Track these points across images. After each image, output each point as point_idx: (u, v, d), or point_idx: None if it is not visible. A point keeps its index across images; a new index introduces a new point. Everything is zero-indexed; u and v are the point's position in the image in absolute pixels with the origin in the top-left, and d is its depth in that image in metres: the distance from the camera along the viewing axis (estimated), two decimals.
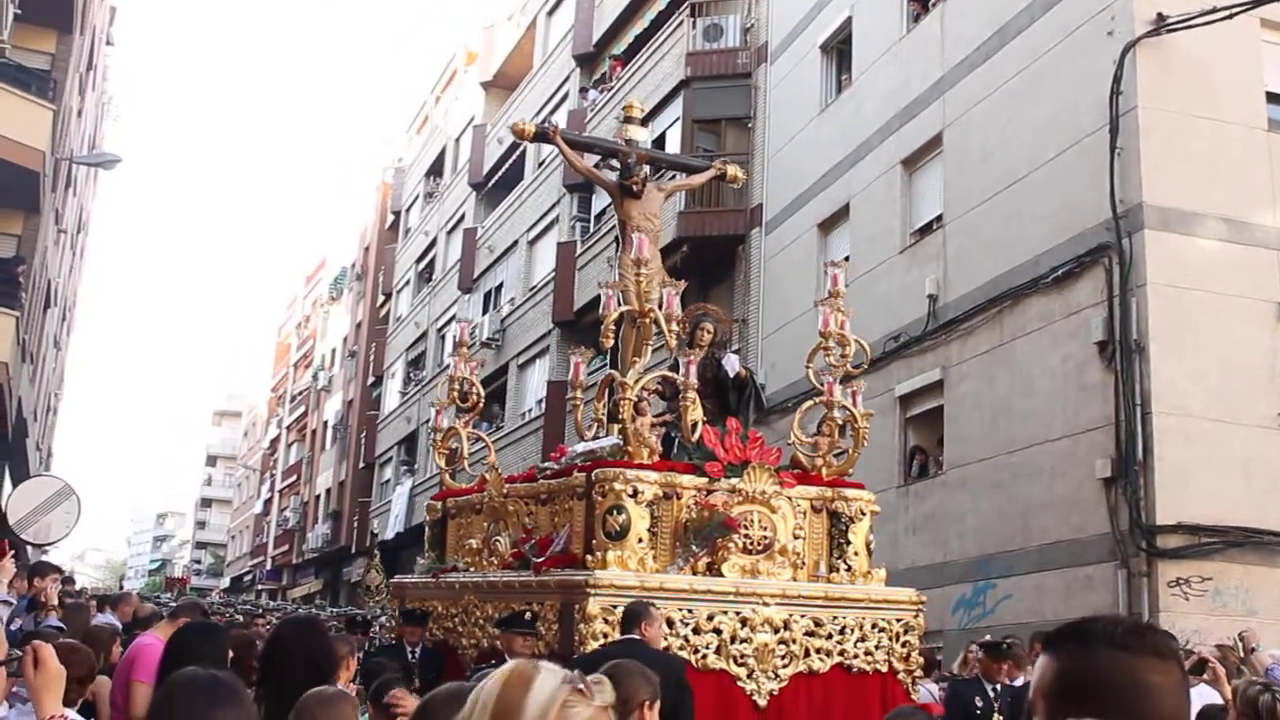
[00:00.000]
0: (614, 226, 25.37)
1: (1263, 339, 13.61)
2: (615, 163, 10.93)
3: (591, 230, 27.57)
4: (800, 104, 21.54)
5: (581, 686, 2.08)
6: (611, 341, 9.47)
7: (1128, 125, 13.79)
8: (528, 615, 8.08)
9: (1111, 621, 2.06)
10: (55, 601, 10.64)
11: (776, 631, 8.23)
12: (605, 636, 7.57)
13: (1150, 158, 13.65)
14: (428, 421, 36.39)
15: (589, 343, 26.79)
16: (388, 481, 40.73)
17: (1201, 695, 7.56)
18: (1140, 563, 12.90)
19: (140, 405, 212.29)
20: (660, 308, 9.16)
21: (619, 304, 9.41)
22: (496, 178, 34.62)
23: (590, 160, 12.16)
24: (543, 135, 11.58)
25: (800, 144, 21.07)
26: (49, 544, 18.74)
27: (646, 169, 10.75)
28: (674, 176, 12.86)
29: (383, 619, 20.21)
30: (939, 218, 17.33)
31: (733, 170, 11.84)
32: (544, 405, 28.07)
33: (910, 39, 18.57)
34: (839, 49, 21.06)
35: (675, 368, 9.43)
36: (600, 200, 27.55)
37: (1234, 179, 13.89)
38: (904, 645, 8.73)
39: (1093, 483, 13.53)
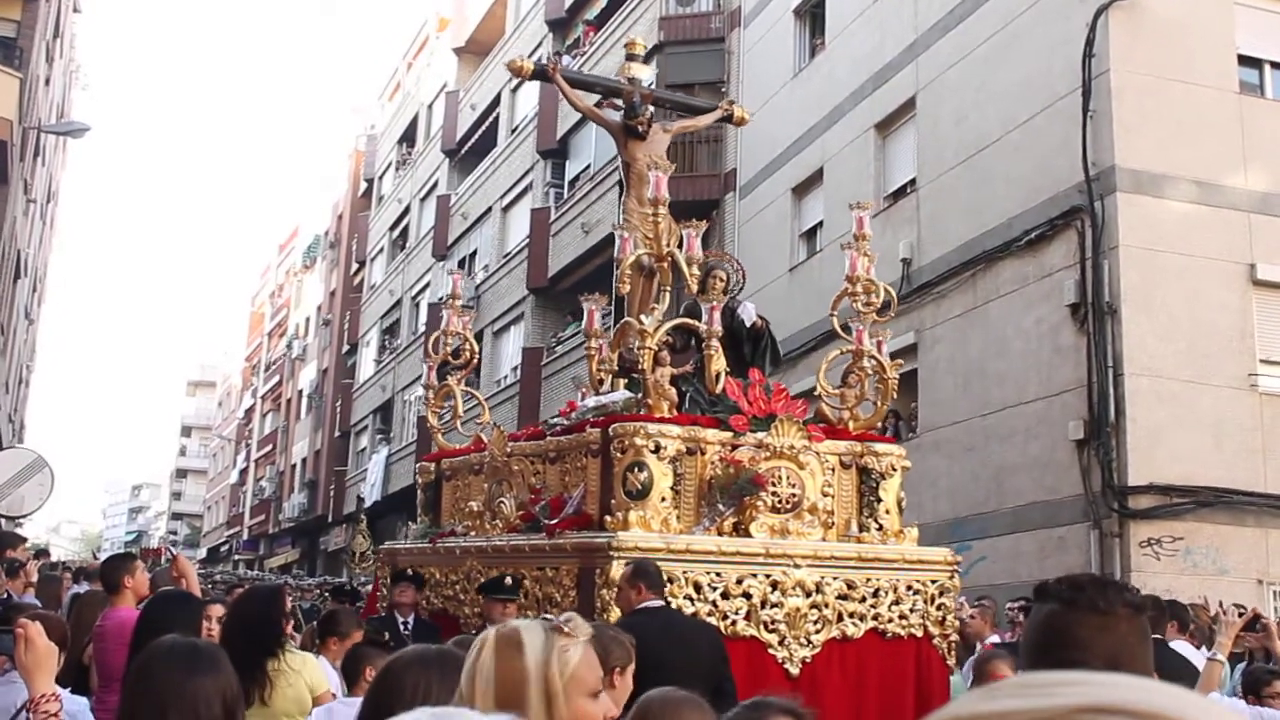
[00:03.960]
0: (593, 190, 25.40)
1: (1233, 301, 13.70)
2: (620, 102, 10.34)
3: (565, 196, 27.48)
4: (774, 68, 21.48)
5: (564, 627, 2.11)
6: (628, 287, 8.93)
7: (1100, 88, 13.81)
8: (508, 580, 7.62)
9: (1064, 579, 2.11)
10: (34, 578, 10.63)
11: (808, 595, 7.71)
12: None
13: (1122, 120, 13.68)
14: (404, 389, 36.48)
15: (565, 308, 26.93)
16: (364, 450, 40.66)
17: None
18: (1112, 523, 13.01)
19: (114, 376, 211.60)
20: (681, 249, 8.55)
21: (635, 247, 8.83)
22: (469, 144, 34.45)
23: (592, 99, 11.62)
24: (541, 73, 10.87)
25: (774, 108, 21.02)
26: (22, 516, 18.66)
27: (651, 109, 10.18)
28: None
29: (369, 588, 20.05)
30: (912, 181, 17.34)
31: (739, 111, 11.25)
32: (520, 372, 28.05)
33: (884, 2, 18.51)
34: (812, 13, 20.99)
35: (694, 313, 8.80)
36: (575, 165, 27.47)
37: (1205, 141, 13.94)
38: (939, 609, 8.20)
39: (1066, 444, 13.62)
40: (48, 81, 29.53)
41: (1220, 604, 10.42)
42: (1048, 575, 2.29)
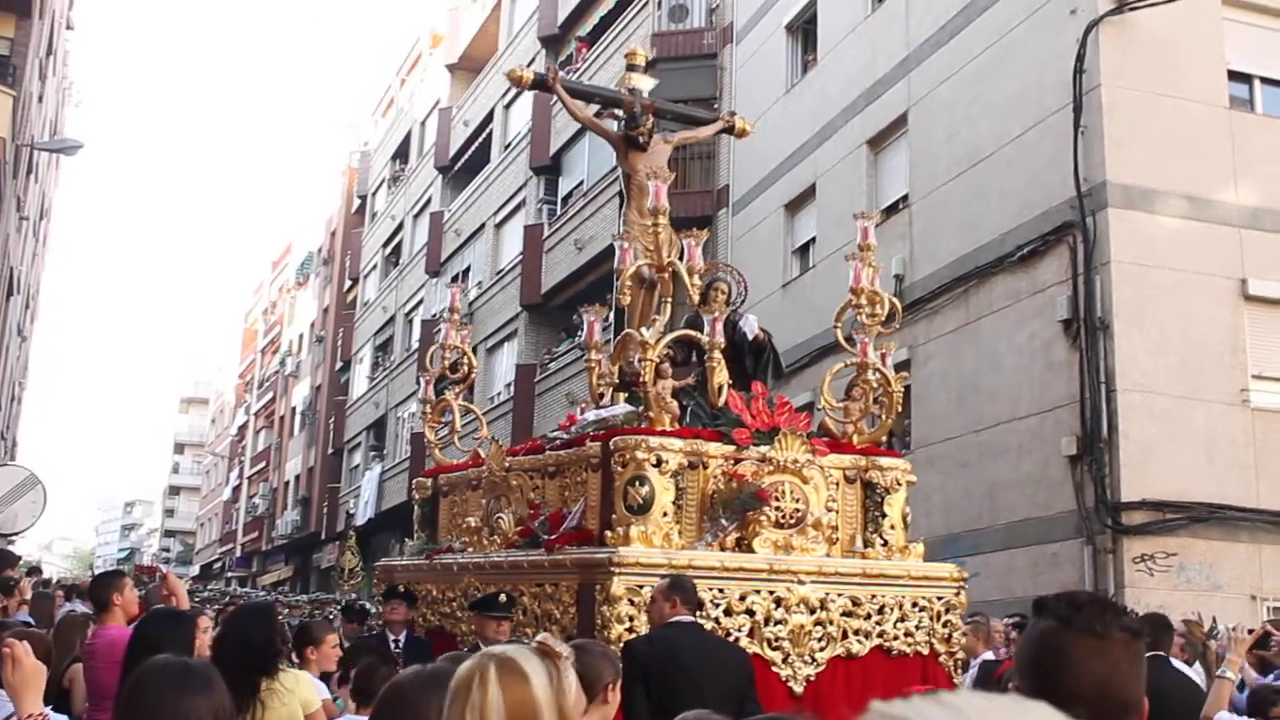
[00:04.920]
0: (587, 206, 25.41)
1: (1225, 316, 13.72)
2: (619, 112, 10.22)
3: (558, 213, 27.50)
4: (766, 84, 21.54)
5: (553, 649, 2.11)
6: (628, 299, 8.82)
7: (1091, 103, 13.86)
8: (502, 598, 7.48)
9: (1063, 596, 2.11)
10: (28, 595, 10.60)
11: (813, 612, 7.59)
12: (630, 619, 7.02)
13: (1113, 136, 13.72)
14: (397, 406, 36.43)
15: (559, 325, 26.92)
16: (357, 467, 40.60)
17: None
18: (1106, 539, 13.00)
19: (107, 393, 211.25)
20: (681, 259, 8.41)
21: (635, 258, 8.73)
22: (463, 161, 34.49)
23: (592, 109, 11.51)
24: (541, 83, 10.57)
25: (766, 124, 21.04)
26: (15, 534, 18.61)
27: (652, 120, 10.04)
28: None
29: (361, 603, 20.01)
30: (905, 197, 17.38)
31: (740, 123, 11.13)
32: (513, 389, 28.02)
33: (875, 18, 18.59)
34: (804, 29, 21.06)
35: (694, 326, 8.74)
36: (568, 181, 27.50)
37: (1196, 156, 13.98)
38: (945, 625, 8.09)
39: (1059, 460, 13.63)
40: (41, 99, 29.53)
41: (1214, 620, 10.46)
42: (1041, 591, 2.28)
